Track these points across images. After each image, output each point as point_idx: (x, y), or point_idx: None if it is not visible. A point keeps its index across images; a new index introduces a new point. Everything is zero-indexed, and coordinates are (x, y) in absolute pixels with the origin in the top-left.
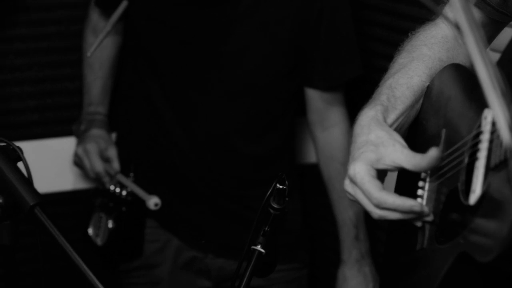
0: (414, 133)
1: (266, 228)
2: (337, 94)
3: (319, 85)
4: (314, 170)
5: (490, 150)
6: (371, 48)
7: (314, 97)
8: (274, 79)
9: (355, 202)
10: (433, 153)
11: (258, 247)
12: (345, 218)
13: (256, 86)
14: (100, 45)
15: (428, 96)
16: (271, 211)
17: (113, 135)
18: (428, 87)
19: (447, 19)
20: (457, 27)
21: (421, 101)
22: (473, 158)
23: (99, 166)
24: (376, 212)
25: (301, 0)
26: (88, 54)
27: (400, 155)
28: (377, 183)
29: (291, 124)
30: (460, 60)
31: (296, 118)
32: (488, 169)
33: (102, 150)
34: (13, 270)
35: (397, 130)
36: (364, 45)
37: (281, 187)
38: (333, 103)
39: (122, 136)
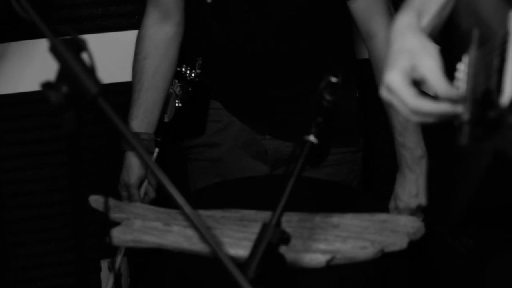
0: (449, 30)
1: (319, 119)
2: (377, 1)
3: None
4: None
5: None
6: None
7: (355, 7)
8: None
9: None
10: (455, 89)
11: (311, 137)
12: (392, 125)
13: None
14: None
15: None
16: (325, 103)
17: None
18: None
19: None
20: None
21: (453, 0)
22: (503, 58)
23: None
24: (413, 118)
25: None
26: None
27: (429, 73)
28: (412, 90)
29: (347, 19)
30: None
31: None
32: None
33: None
34: (77, 157)
35: (431, 31)
36: None
37: (335, 80)
38: (374, 10)
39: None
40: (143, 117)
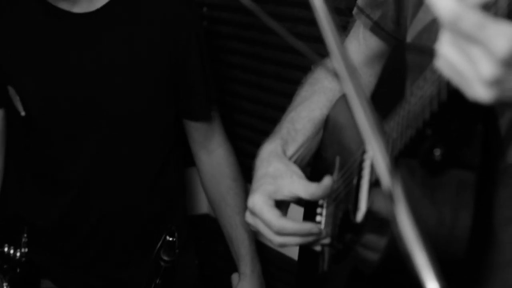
0: (316, 164)
1: (158, 281)
2: (215, 120)
3: (199, 117)
4: (206, 220)
5: (372, 167)
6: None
7: (195, 128)
8: (153, 118)
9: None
10: (326, 181)
11: None
12: (243, 232)
13: (136, 127)
14: None
15: (325, 127)
16: (162, 263)
17: None
18: (326, 118)
19: (326, 67)
20: (335, 74)
21: (321, 133)
22: (360, 176)
23: None
24: (277, 240)
25: (169, 33)
26: None
27: (297, 185)
28: (275, 211)
29: (180, 177)
30: None
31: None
32: (371, 186)
33: None
34: None
35: (298, 161)
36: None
37: (170, 239)
38: (213, 129)
39: (11, 197)
40: None
